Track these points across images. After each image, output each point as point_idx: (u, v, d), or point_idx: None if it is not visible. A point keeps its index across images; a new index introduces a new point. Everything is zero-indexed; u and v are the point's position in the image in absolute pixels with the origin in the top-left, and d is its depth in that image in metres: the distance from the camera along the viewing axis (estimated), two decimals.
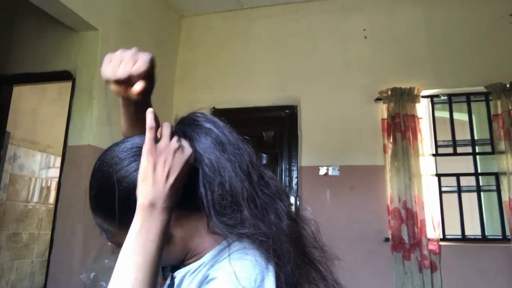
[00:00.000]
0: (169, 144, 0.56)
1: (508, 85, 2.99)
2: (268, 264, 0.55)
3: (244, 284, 0.51)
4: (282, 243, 0.56)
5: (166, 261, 0.63)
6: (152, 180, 0.53)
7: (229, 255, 0.56)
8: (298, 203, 3.26)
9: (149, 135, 0.55)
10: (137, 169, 0.56)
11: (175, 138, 0.58)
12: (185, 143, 0.60)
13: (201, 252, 0.61)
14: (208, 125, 0.62)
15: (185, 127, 0.63)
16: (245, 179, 0.58)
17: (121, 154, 0.59)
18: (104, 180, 0.59)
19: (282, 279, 0.56)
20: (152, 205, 0.52)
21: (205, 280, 0.55)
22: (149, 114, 0.59)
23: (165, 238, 0.53)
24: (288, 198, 0.66)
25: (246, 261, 0.54)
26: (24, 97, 3.60)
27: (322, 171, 3.26)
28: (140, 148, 0.58)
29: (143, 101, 0.71)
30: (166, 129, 0.59)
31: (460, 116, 3.42)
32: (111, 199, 0.56)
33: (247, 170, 0.59)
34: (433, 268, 2.85)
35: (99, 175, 0.60)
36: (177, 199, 0.55)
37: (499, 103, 3.01)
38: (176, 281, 0.62)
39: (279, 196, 0.62)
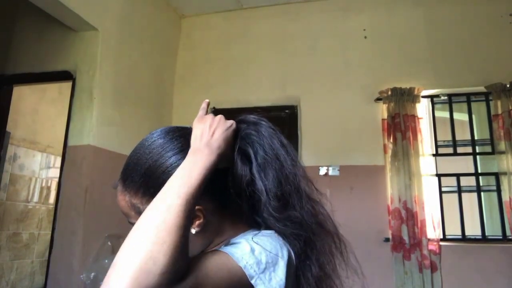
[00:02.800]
0: (214, 117, 0.66)
1: (508, 85, 2.99)
2: (285, 249, 0.62)
3: (260, 250, 0.59)
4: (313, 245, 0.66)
5: (192, 251, 0.66)
6: (200, 136, 0.62)
7: (254, 235, 0.63)
8: None
9: (199, 113, 0.69)
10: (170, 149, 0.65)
11: (220, 115, 0.68)
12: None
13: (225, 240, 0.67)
14: (270, 130, 0.71)
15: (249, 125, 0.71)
16: (297, 190, 0.66)
17: (160, 141, 0.67)
18: (139, 153, 0.67)
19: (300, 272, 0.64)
20: (198, 149, 0.59)
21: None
22: (205, 101, 0.73)
23: (207, 177, 0.56)
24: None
25: (268, 238, 0.62)
26: (24, 97, 3.60)
27: (322, 171, 3.26)
28: (179, 134, 0.68)
29: None
30: (203, 104, 0.71)
31: (460, 116, 3.42)
32: (141, 170, 0.65)
33: (299, 183, 0.68)
34: (433, 268, 2.85)
35: (137, 147, 0.69)
36: (223, 152, 0.62)
37: (499, 103, 3.01)
38: None
39: (321, 208, 0.73)
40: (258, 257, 0.57)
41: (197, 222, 0.61)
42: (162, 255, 0.46)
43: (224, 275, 0.53)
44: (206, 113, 0.70)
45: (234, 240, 0.63)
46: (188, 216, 0.51)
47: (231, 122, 0.67)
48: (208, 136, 0.62)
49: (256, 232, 0.64)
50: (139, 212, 0.63)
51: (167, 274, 0.45)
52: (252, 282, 0.55)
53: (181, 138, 0.66)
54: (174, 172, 0.57)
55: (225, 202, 0.65)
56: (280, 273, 0.58)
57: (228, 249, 0.57)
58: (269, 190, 0.64)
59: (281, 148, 0.67)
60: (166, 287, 0.45)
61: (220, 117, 0.66)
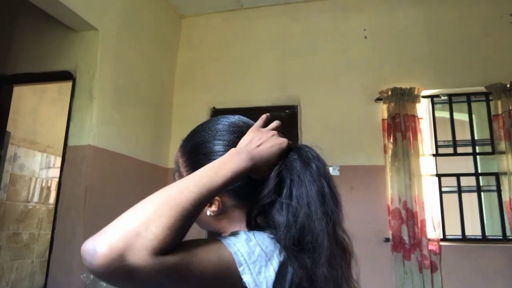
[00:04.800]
0: (269, 130, 0.68)
1: (508, 85, 2.99)
2: (281, 256, 0.60)
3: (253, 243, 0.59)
4: None
5: (204, 224, 0.72)
6: (245, 144, 0.64)
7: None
8: None
9: (258, 122, 0.70)
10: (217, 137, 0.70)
11: (276, 132, 0.69)
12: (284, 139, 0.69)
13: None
14: (317, 174, 0.67)
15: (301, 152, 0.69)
16: (328, 239, 0.61)
17: (221, 126, 0.72)
18: (196, 131, 0.74)
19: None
20: (238, 152, 0.61)
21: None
22: (266, 114, 0.73)
23: (234, 180, 0.58)
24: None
25: (268, 239, 0.62)
26: (24, 97, 3.60)
27: None
28: (236, 127, 0.72)
29: None
30: (273, 124, 0.71)
31: (460, 116, 3.42)
32: (194, 143, 0.72)
33: (335, 229, 0.64)
34: (433, 268, 2.85)
35: (196, 128, 0.75)
36: (261, 167, 0.63)
37: (499, 103, 3.01)
38: None
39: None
40: (252, 248, 0.57)
41: (212, 208, 0.66)
42: (155, 226, 0.48)
43: (212, 259, 0.53)
44: (263, 126, 0.70)
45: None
46: (198, 206, 0.53)
47: (282, 141, 0.67)
48: (253, 144, 0.63)
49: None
50: (178, 171, 0.74)
51: (154, 243, 0.47)
52: (240, 269, 0.55)
53: (239, 133, 0.70)
54: (213, 159, 0.62)
55: (245, 205, 0.67)
56: (271, 271, 0.57)
57: (224, 238, 0.58)
58: (286, 227, 0.61)
59: (318, 198, 0.63)
60: (150, 255, 0.46)
61: (274, 133, 0.67)
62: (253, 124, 0.71)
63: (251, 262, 0.56)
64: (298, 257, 0.59)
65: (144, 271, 0.46)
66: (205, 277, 0.52)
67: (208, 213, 0.66)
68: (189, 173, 0.67)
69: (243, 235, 0.59)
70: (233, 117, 0.75)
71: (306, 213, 0.61)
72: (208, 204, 0.65)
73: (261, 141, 0.64)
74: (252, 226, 0.65)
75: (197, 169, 0.61)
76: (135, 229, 0.47)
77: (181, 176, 0.71)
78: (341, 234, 0.66)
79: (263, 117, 0.72)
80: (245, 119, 0.76)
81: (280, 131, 0.71)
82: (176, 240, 0.50)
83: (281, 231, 0.60)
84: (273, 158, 0.64)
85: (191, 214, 0.52)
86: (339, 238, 0.65)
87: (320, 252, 0.59)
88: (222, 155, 0.63)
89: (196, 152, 0.71)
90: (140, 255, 0.46)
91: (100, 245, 0.45)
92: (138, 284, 0.47)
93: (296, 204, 0.62)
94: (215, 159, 0.62)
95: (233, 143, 0.68)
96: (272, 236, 0.62)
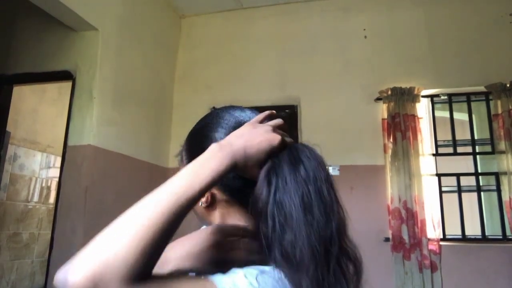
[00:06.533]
0: (263, 126, 0.61)
1: (508, 85, 2.99)
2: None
3: None
4: None
5: (198, 216, 0.70)
6: (233, 137, 0.57)
7: (260, 272, 0.56)
8: None
9: (256, 117, 0.65)
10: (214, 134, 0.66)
11: (275, 127, 0.61)
12: (285, 138, 0.61)
13: None
14: (303, 179, 0.57)
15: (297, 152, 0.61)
16: (317, 251, 0.52)
17: (221, 121, 0.69)
18: (196, 127, 0.72)
19: None
20: (221, 145, 0.55)
21: None
22: (271, 111, 0.68)
23: (215, 181, 0.52)
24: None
25: (275, 283, 0.55)
26: (24, 97, 3.60)
27: None
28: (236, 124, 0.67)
29: None
30: (273, 121, 0.64)
31: (460, 116, 3.42)
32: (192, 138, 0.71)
33: (325, 242, 0.54)
34: (433, 268, 2.85)
35: (200, 121, 0.73)
36: (246, 164, 0.57)
37: (499, 103, 3.01)
38: None
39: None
40: None
41: (203, 199, 0.65)
42: (125, 251, 0.44)
43: None
44: (262, 122, 0.64)
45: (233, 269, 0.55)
46: (176, 219, 0.48)
47: (274, 136, 0.58)
48: (241, 139, 0.56)
49: (264, 268, 0.54)
50: (180, 160, 0.72)
51: (125, 270, 0.43)
52: None
53: (242, 119, 0.68)
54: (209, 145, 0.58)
55: (237, 201, 0.65)
56: None
57: (217, 276, 0.51)
58: (270, 240, 0.54)
59: (300, 208, 0.54)
60: (122, 284, 0.43)
61: (268, 128, 0.59)
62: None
63: None
64: (292, 277, 0.52)
65: None
66: None
67: (200, 203, 0.65)
68: (186, 157, 0.69)
69: (242, 280, 0.50)
70: (236, 107, 0.73)
71: (289, 225, 0.53)
72: None
73: (250, 135, 0.57)
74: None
75: (193, 153, 0.61)
76: (104, 257, 0.43)
77: (183, 164, 0.69)
78: (338, 247, 0.56)
79: (266, 112, 0.66)
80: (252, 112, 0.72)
81: (284, 130, 0.64)
82: (150, 263, 0.46)
83: (266, 247, 0.53)
84: (261, 155, 0.57)
85: (167, 230, 0.47)
86: (333, 252, 0.55)
87: (306, 270, 0.51)
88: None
89: (196, 135, 0.70)
90: (111, 285, 0.43)
91: (71, 276, 0.43)
92: None
93: (278, 213, 0.54)
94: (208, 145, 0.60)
95: (232, 130, 0.64)
96: (280, 274, 0.53)
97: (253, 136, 0.57)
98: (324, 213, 0.55)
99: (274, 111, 0.67)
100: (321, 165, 0.60)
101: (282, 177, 0.56)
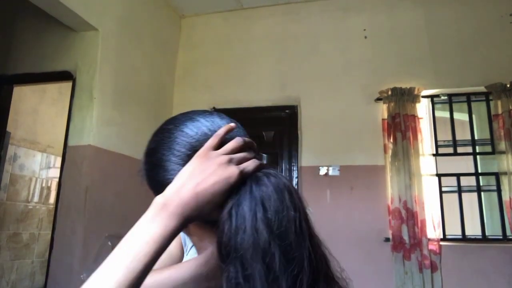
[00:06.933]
0: (219, 155, 0.52)
1: (508, 85, 2.99)
2: None
3: None
4: None
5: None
6: (182, 181, 0.50)
7: None
8: None
9: (209, 141, 0.54)
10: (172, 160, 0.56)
11: (232, 156, 0.53)
12: (244, 165, 0.53)
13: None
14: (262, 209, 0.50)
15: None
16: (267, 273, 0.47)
17: (179, 140, 0.57)
18: (150, 147, 0.60)
19: None
20: (165, 204, 0.48)
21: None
22: (228, 126, 0.57)
23: (165, 246, 0.47)
24: None
25: None
26: (24, 97, 3.60)
27: (322, 171, 3.26)
28: (194, 145, 0.56)
29: None
30: (230, 144, 0.54)
31: (460, 116, 3.42)
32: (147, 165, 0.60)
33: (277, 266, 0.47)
34: (433, 268, 2.85)
35: (153, 138, 0.61)
36: (201, 213, 0.49)
37: (499, 103, 3.01)
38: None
39: None
40: None
41: None
42: None
43: None
44: (217, 146, 0.54)
45: None
46: (139, 277, 0.44)
47: (230, 173, 0.50)
48: (192, 184, 0.49)
49: None
50: (142, 178, 0.62)
51: None
52: None
53: (195, 148, 0.55)
54: (165, 175, 0.53)
55: (210, 226, 0.56)
56: None
57: None
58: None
59: (256, 258, 0.47)
60: None
61: (223, 160, 0.51)
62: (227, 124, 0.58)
63: None
64: None
65: None
66: None
67: None
68: (145, 178, 0.60)
69: None
70: (209, 120, 0.59)
71: (245, 276, 0.46)
72: None
73: (202, 176, 0.49)
74: None
75: (149, 179, 0.57)
76: None
77: (145, 184, 0.61)
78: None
79: (220, 132, 0.55)
80: (219, 121, 0.60)
81: (248, 146, 0.56)
82: None
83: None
84: (217, 199, 0.50)
85: None
86: None
87: None
88: (172, 174, 0.54)
89: (149, 160, 0.59)
90: None
91: None
92: None
93: (240, 267, 0.47)
94: (162, 175, 0.55)
95: (184, 162, 0.54)
96: None
97: (205, 177, 0.49)
98: (288, 259, 0.47)
99: (232, 125, 0.57)
100: (286, 195, 0.51)
101: (239, 218, 0.48)
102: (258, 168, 0.54)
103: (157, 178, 0.57)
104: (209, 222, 0.54)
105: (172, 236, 0.47)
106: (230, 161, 0.52)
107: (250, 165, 0.53)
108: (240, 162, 0.53)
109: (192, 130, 0.57)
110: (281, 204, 0.50)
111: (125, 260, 0.44)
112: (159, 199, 0.48)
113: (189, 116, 0.60)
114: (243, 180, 0.52)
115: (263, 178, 0.52)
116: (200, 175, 0.50)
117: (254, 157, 0.56)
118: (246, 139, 0.56)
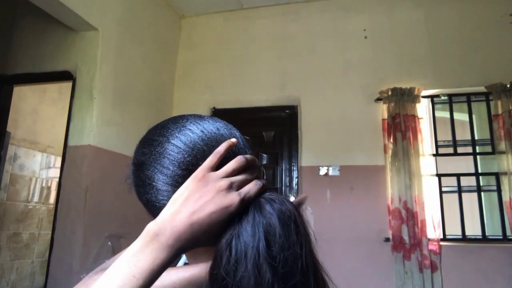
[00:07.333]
0: (219, 179, 0.47)
1: (508, 85, 2.99)
2: None
3: None
4: None
5: None
6: (176, 208, 0.45)
7: None
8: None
9: (208, 160, 0.48)
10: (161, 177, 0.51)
11: (232, 180, 0.48)
12: (246, 190, 0.48)
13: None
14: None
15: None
16: None
17: (171, 147, 0.52)
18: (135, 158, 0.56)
19: None
20: (157, 234, 0.44)
21: None
22: (228, 142, 0.50)
23: (153, 280, 0.43)
24: None
25: None
26: (24, 97, 3.60)
27: (322, 171, 3.26)
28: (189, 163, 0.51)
29: None
30: (230, 164, 0.49)
31: (461, 116, 3.42)
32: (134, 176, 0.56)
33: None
34: (433, 268, 2.85)
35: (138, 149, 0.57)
36: (195, 244, 0.45)
37: (499, 103, 3.01)
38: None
39: None
40: None
41: None
42: None
43: None
44: (217, 167, 0.48)
45: None
46: None
47: (230, 202, 0.46)
48: (186, 212, 0.44)
49: None
50: (129, 186, 0.58)
51: None
52: None
53: (192, 166, 0.50)
54: (150, 193, 0.50)
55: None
56: None
57: None
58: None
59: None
60: None
61: (222, 186, 0.46)
62: (228, 140, 0.51)
63: None
64: None
65: None
66: None
67: None
68: (134, 190, 0.55)
69: None
70: (200, 127, 0.53)
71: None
72: None
73: (199, 203, 0.45)
74: None
75: (139, 194, 0.54)
76: None
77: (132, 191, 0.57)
78: None
79: (220, 149, 0.49)
80: (217, 132, 0.54)
81: (250, 164, 0.51)
82: None
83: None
84: (214, 228, 0.45)
85: None
86: None
87: None
88: (164, 195, 0.50)
89: (138, 174, 0.55)
90: None
91: None
92: None
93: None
94: (154, 195, 0.52)
95: (177, 182, 0.50)
96: None
97: (202, 205, 0.45)
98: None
99: (233, 141, 0.51)
100: (292, 228, 0.47)
101: (242, 249, 0.45)
102: (261, 192, 0.49)
103: (148, 197, 0.53)
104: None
105: (162, 269, 0.43)
106: (230, 186, 0.46)
107: (252, 189, 0.48)
108: (241, 185, 0.48)
109: (184, 143, 0.52)
110: (287, 240, 0.45)
111: (121, 282, 0.41)
112: (151, 227, 0.44)
113: (179, 124, 0.54)
114: (245, 207, 0.47)
115: (267, 206, 0.47)
116: (196, 202, 0.45)
117: (255, 177, 0.50)
118: (248, 157, 0.50)
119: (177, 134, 0.53)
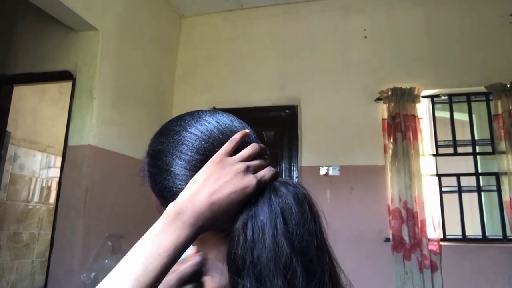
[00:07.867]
0: (236, 163, 0.49)
1: (508, 85, 2.99)
2: None
3: None
4: None
5: None
6: (195, 189, 0.47)
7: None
8: None
9: (225, 146, 0.51)
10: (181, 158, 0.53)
11: (249, 163, 0.50)
12: (262, 174, 0.50)
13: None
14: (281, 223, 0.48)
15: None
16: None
17: (189, 135, 0.54)
18: (154, 145, 0.58)
19: None
20: (179, 213, 0.45)
21: None
22: (243, 132, 0.54)
23: (177, 257, 0.44)
24: None
25: None
26: (24, 97, 3.60)
27: (323, 171, 3.26)
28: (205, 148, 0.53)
29: None
30: (246, 150, 0.52)
31: (461, 116, 3.42)
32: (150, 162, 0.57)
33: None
34: (433, 268, 2.85)
35: (157, 136, 0.58)
36: (215, 224, 0.47)
37: (499, 103, 3.01)
38: None
39: None
40: None
41: None
42: None
43: None
44: (234, 152, 0.51)
45: None
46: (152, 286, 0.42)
47: (247, 182, 0.48)
48: (205, 191, 0.46)
49: None
50: (143, 179, 0.60)
51: None
52: None
53: (208, 152, 0.52)
54: (169, 180, 0.51)
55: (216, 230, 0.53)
56: None
57: None
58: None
59: (275, 273, 0.45)
60: None
61: (240, 168, 0.49)
62: (242, 130, 0.55)
63: None
64: None
65: None
66: None
67: None
68: (148, 180, 0.57)
69: None
70: (215, 119, 0.57)
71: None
72: None
73: (218, 184, 0.47)
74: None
75: (154, 183, 0.54)
76: None
77: (146, 184, 0.59)
78: None
79: (236, 137, 0.52)
80: (231, 123, 0.57)
81: (262, 153, 0.53)
82: None
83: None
84: (232, 209, 0.47)
85: None
86: None
87: None
88: (181, 179, 0.52)
89: (154, 163, 0.56)
90: None
91: None
92: None
93: (248, 279, 0.45)
94: (171, 181, 0.53)
95: (195, 167, 0.52)
96: None
97: (221, 186, 0.47)
98: (310, 275, 0.46)
99: (247, 131, 0.55)
100: (307, 207, 0.50)
101: (258, 230, 0.46)
102: (274, 177, 0.52)
103: (165, 183, 0.54)
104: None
105: (185, 247, 0.45)
106: (247, 170, 0.49)
107: (267, 173, 0.51)
108: (256, 170, 0.50)
109: (201, 132, 0.54)
110: (302, 217, 0.48)
111: (136, 272, 0.42)
112: (172, 207, 0.46)
113: (195, 115, 0.58)
114: (261, 190, 0.49)
115: (282, 187, 0.50)
116: (215, 183, 0.47)
117: (268, 165, 0.53)
118: (262, 145, 0.54)
119: (194, 124, 0.56)
